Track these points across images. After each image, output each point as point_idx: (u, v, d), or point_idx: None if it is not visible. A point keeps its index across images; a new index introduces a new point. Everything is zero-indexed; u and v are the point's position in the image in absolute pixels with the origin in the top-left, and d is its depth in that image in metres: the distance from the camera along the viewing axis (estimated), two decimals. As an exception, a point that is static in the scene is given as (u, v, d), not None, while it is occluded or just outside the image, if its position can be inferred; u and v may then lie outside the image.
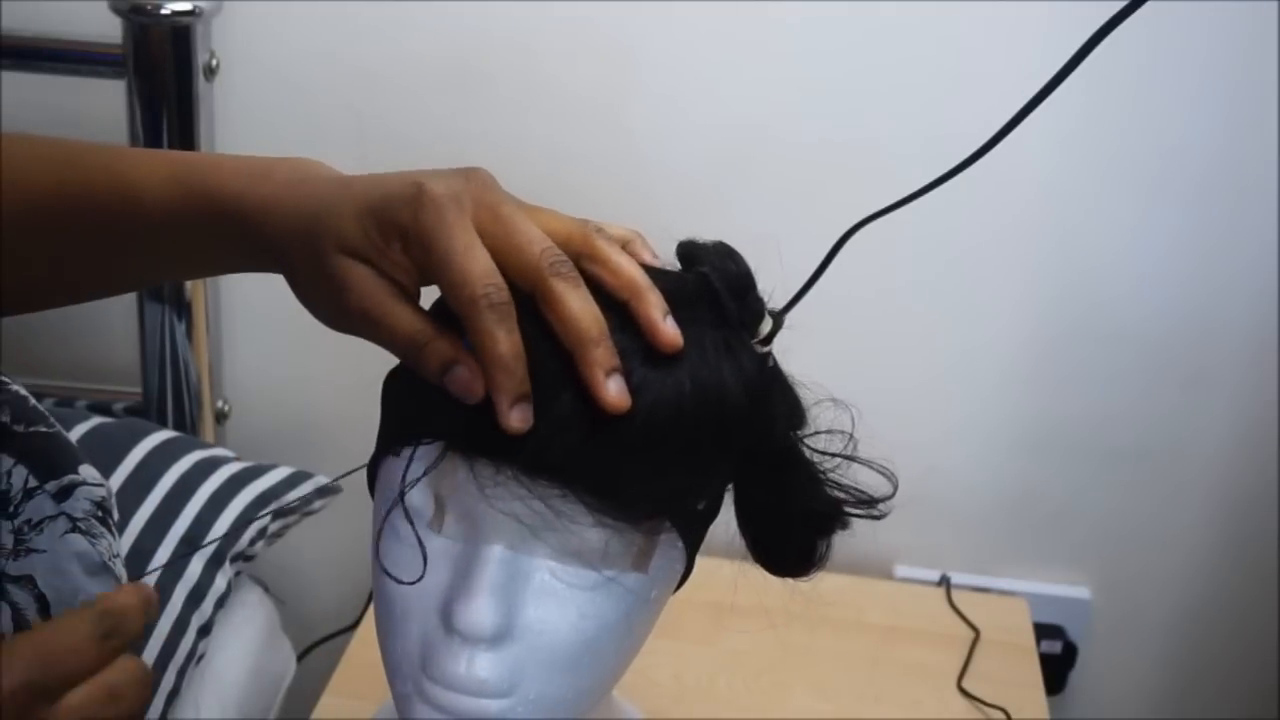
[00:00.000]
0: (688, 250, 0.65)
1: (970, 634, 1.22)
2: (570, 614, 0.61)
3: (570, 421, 0.56)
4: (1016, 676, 1.17)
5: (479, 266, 0.54)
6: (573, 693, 0.63)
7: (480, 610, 0.59)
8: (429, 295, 0.60)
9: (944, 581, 1.31)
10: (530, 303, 0.56)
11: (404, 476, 0.61)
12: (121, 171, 0.63)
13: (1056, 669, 1.35)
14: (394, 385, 0.65)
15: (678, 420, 0.57)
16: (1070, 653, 1.36)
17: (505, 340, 0.54)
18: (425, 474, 0.60)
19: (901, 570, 1.35)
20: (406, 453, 0.61)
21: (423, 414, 0.59)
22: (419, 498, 0.61)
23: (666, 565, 0.64)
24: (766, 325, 0.63)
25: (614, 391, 0.55)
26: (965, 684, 1.15)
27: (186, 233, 0.62)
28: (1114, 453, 1.31)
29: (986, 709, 1.12)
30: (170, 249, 0.64)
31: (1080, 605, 1.36)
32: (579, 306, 0.55)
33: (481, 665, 0.61)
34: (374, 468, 0.66)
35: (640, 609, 0.64)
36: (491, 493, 0.58)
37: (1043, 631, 1.31)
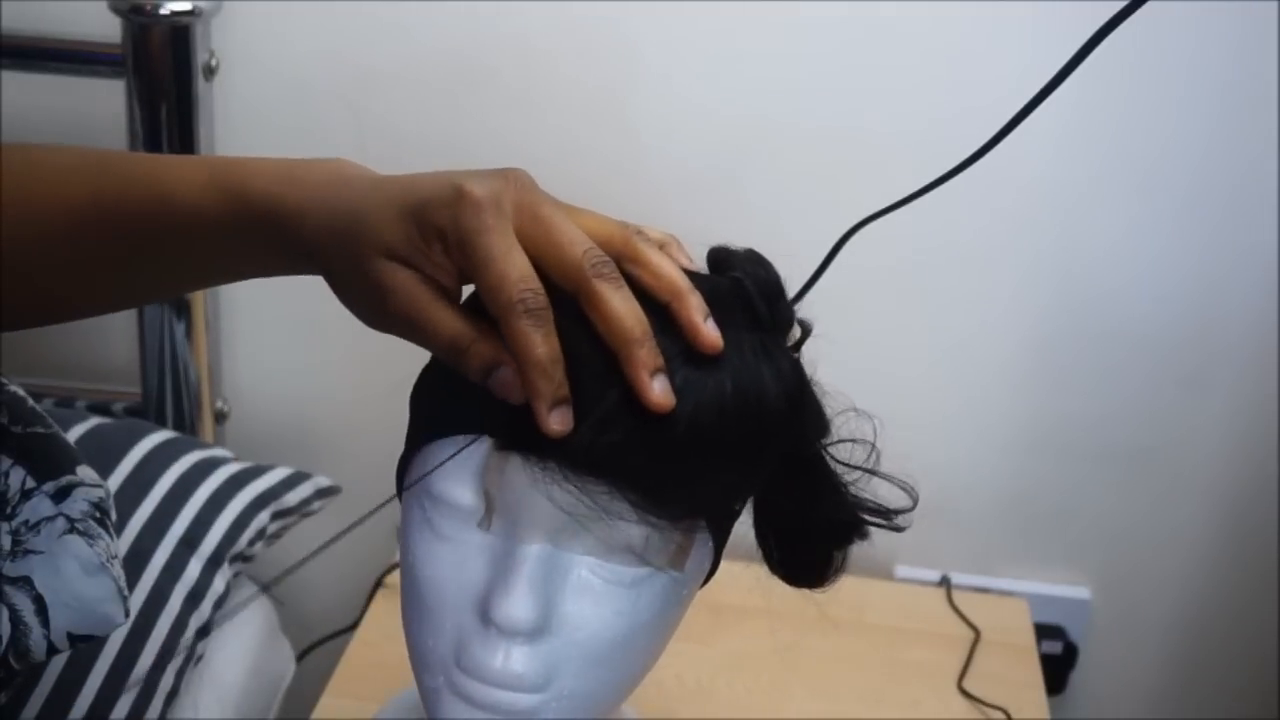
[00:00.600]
0: (719, 256, 0.65)
1: (970, 634, 1.22)
2: (607, 610, 0.62)
3: (614, 420, 0.56)
4: (1017, 676, 1.17)
5: (516, 271, 0.55)
6: (606, 688, 0.64)
7: (519, 604, 0.60)
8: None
9: (944, 581, 1.31)
10: (573, 303, 0.56)
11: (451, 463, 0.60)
12: (158, 178, 0.63)
13: (1057, 669, 1.35)
14: (431, 380, 0.65)
15: (720, 421, 0.58)
16: (1070, 653, 1.36)
17: (542, 344, 0.54)
18: (447, 460, 0.61)
19: (901, 570, 1.35)
20: (443, 445, 0.61)
21: (466, 409, 0.60)
22: (467, 494, 0.61)
23: (697, 563, 0.65)
24: (796, 332, 0.64)
25: (659, 391, 0.56)
26: (965, 684, 1.15)
27: (225, 237, 0.62)
28: (1113, 452, 1.31)
29: (987, 709, 1.12)
30: (209, 253, 0.64)
31: (1080, 605, 1.36)
32: (623, 307, 0.56)
33: (518, 659, 0.61)
34: (404, 465, 0.66)
35: (673, 605, 0.65)
36: (543, 489, 0.59)
37: (1043, 631, 1.31)
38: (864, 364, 1.25)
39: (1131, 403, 1.29)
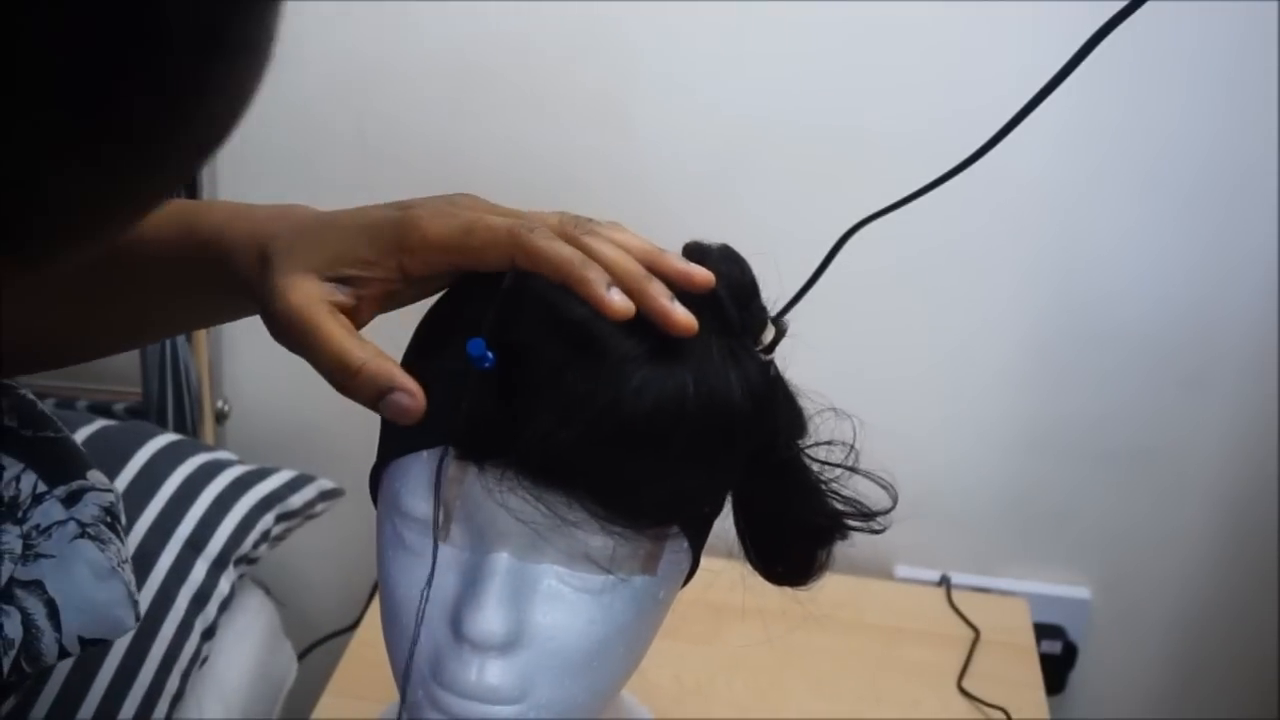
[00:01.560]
0: (693, 254, 0.64)
1: (970, 634, 1.22)
2: (579, 619, 0.62)
3: (572, 414, 0.55)
4: (1016, 676, 1.18)
5: (502, 220, 0.56)
6: (584, 695, 0.64)
7: (490, 619, 0.60)
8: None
9: (944, 581, 1.31)
10: (529, 305, 0.56)
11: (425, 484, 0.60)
12: None
13: (1056, 669, 1.35)
14: None
15: (680, 422, 0.57)
16: (1070, 653, 1.36)
17: (565, 247, 0.55)
18: (434, 474, 0.60)
19: (901, 570, 1.35)
20: (408, 460, 0.61)
21: (427, 422, 0.59)
22: (427, 507, 0.61)
23: (673, 565, 0.64)
24: (769, 333, 0.63)
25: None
26: (965, 684, 1.15)
27: (182, 272, 0.62)
28: (1113, 452, 1.31)
29: (986, 709, 1.12)
30: (170, 291, 0.65)
31: (1080, 605, 1.36)
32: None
33: (492, 673, 0.61)
34: (376, 477, 0.66)
35: (649, 609, 0.64)
36: (499, 499, 0.58)
37: (1043, 631, 1.31)
38: (864, 364, 1.26)
39: (1132, 403, 1.29)
